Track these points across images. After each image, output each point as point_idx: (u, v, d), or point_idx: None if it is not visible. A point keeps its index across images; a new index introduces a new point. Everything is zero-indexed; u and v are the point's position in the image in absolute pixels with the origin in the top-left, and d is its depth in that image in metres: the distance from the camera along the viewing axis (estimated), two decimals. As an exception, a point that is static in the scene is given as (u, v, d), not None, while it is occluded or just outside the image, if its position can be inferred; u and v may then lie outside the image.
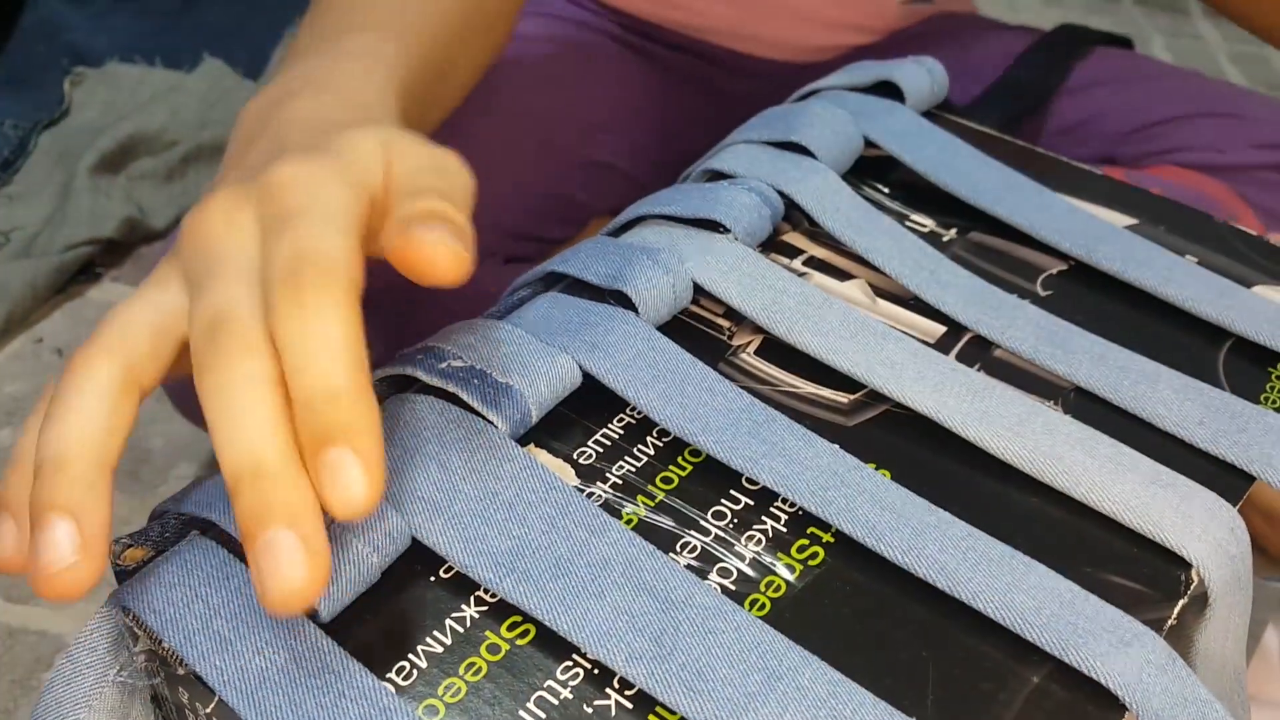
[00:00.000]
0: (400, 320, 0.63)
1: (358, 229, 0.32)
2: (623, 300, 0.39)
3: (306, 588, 0.27)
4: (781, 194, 0.43)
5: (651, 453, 0.35)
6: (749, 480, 0.34)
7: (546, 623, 0.30)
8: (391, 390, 0.37)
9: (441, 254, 0.30)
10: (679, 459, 0.35)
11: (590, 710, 0.29)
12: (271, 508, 0.28)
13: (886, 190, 0.47)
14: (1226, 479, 0.35)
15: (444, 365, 0.35)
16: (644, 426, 0.36)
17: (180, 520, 0.33)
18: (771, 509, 0.34)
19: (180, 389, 0.64)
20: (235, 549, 0.31)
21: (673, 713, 0.29)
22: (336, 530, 0.31)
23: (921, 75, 0.50)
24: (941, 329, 0.40)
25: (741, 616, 0.30)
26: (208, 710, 0.29)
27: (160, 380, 0.31)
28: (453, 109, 0.50)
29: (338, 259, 0.30)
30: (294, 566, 0.27)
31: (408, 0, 0.51)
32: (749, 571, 0.32)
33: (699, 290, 0.41)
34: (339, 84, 0.42)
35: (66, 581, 0.28)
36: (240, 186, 0.33)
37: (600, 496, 0.34)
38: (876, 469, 0.35)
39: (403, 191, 0.33)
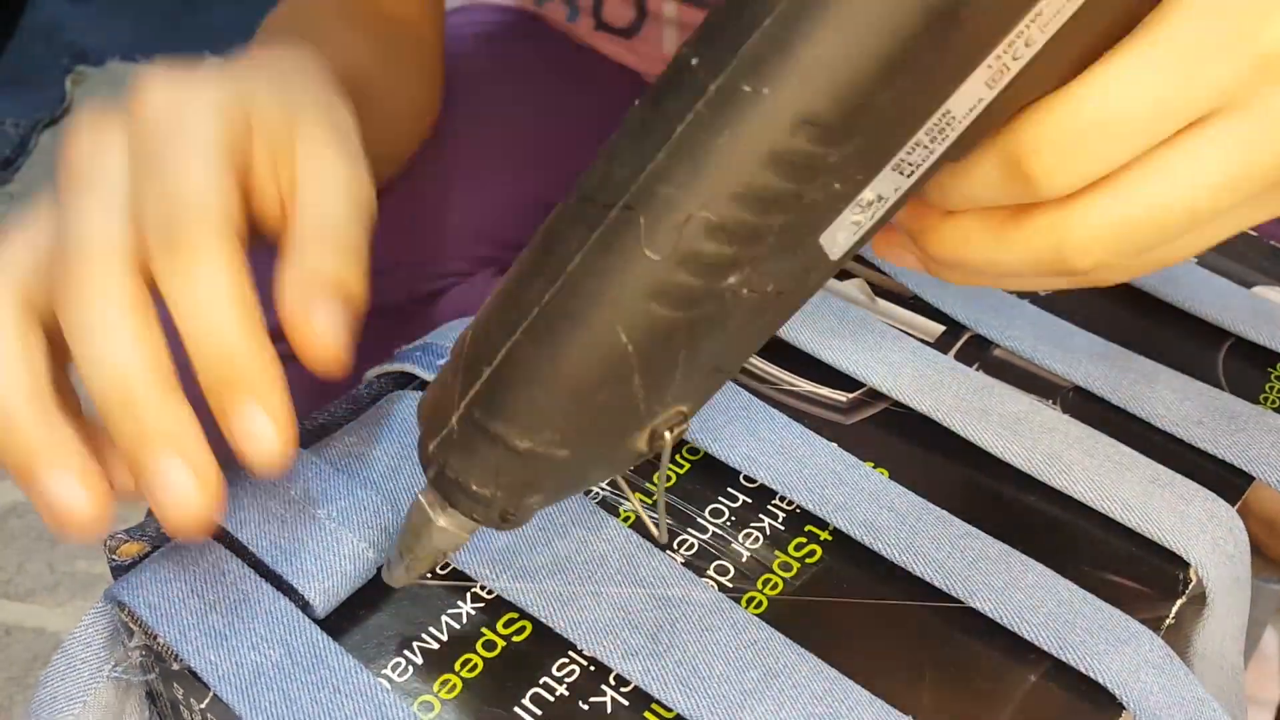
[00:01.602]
0: (401, 321, 0.62)
1: (230, 155, 0.30)
2: (621, 298, 0.39)
3: (200, 510, 0.27)
4: (781, 193, 0.43)
5: (649, 450, 0.35)
6: (747, 478, 0.34)
7: (542, 619, 0.30)
8: (390, 387, 0.37)
9: (329, 347, 0.29)
10: (677, 456, 0.35)
11: (586, 707, 0.29)
12: (149, 435, 0.27)
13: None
14: (1225, 479, 0.35)
15: (441, 362, 0.35)
16: (642, 424, 0.36)
17: (176, 516, 0.32)
18: (769, 507, 0.34)
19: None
20: (231, 544, 0.31)
21: (669, 710, 0.28)
22: (332, 527, 0.31)
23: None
24: (941, 328, 0.40)
25: (739, 614, 0.30)
26: (202, 706, 0.29)
27: None
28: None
29: (211, 202, 0.28)
30: (185, 488, 0.27)
31: (340, 37, 0.52)
32: (746, 569, 0.32)
33: (698, 288, 0.40)
34: (269, 49, 0.40)
35: (86, 516, 0.28)
36: (110, 104, 0.31)
37: (598, 493, 0.34)
38: (874, 467, 0.34)
39: (306, 224, 0.31)
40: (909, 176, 0.25)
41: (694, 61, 0.23)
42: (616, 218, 0.24)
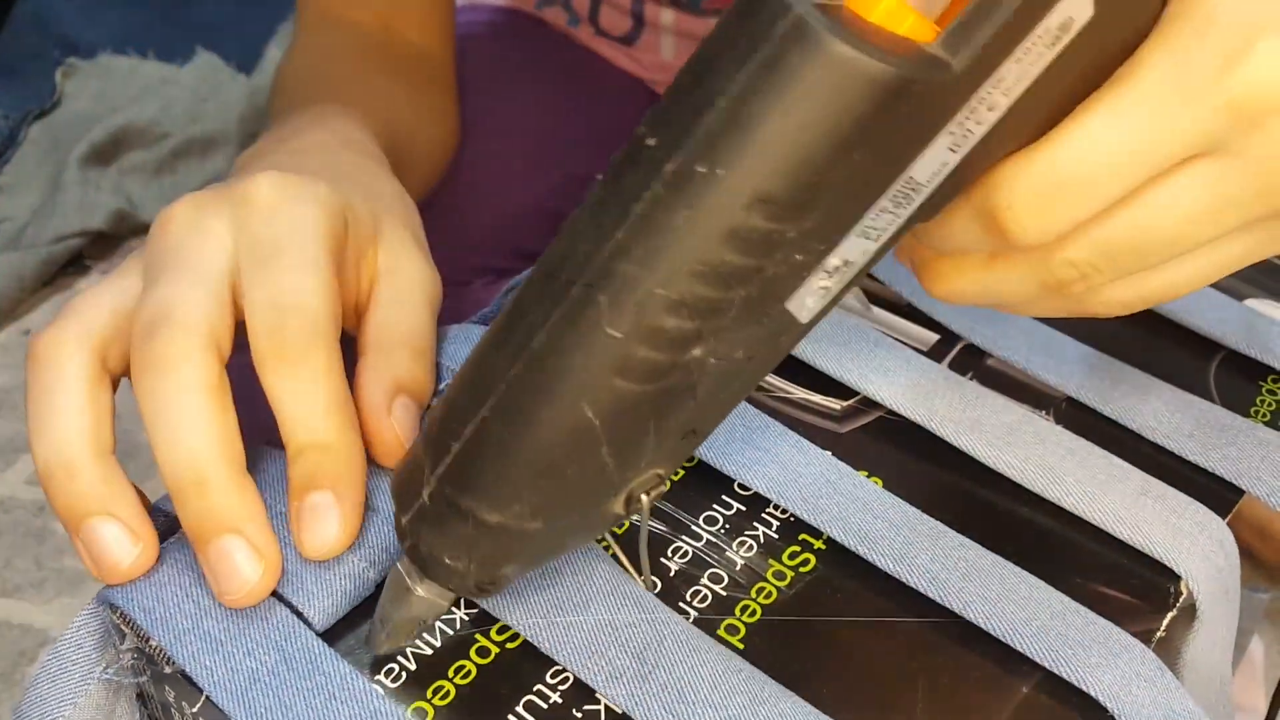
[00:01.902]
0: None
1: (335, 259, 0.32)
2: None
3: (259, 587, 0.29)
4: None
5: (644, 457, 0.35)
6: (741, 486, 0.34)
7: (528, 638, 0.30)
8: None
9: (400, 440, 0.32)
10: (671, 464, 0.35)
11: (579, 715, 0.29)
12: (217, 517, 0.29)
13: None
14: (1216, 492, 0.35)
15: (442, 384, 0.35)
16: (636, 430, 0.36)
17: (170, 517, 0.32)
18: (763, 515, 0.34)
19: None
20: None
21: None
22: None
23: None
24: (935, 337, 0.40)
25: (719, 649, 0.30)
26: (194, 709, 0.29)
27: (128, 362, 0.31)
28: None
29: (320, 309, 0.30)
30: (247, 569, 0.29)
31: (368, 86, 0.52)
32: (740, 577, 0.32)
33: (693, 294, 0.40)
34: (326, 125, 0.42)
35: (132, 567, 0.30)
36: (216, 190, 0.33)
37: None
38: (868, 476, 0.35)
39: (385, 323, 0.33)
40: (876, 240, 0.25)
41: (650, 141, 0.24)
42: (578, 295, 0.24)
